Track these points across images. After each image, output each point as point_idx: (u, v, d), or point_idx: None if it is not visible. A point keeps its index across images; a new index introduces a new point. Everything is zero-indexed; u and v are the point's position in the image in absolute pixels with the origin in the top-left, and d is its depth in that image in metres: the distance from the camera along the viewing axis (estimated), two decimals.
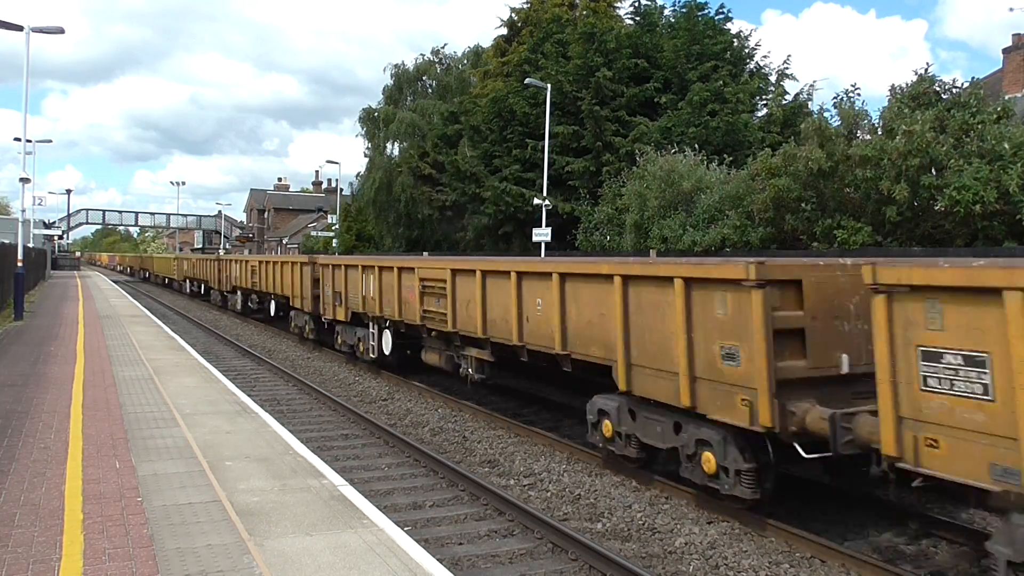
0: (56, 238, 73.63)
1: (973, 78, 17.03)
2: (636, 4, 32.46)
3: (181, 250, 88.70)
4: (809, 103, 26.58)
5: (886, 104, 17.27)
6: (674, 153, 22.16)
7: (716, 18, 29.73)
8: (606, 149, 27.58)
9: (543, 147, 27.77)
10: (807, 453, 6.90)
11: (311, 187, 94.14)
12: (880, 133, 16.52)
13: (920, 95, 16.41)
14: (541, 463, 9.91)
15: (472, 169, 32.61)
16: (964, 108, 15.30)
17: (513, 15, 40.46)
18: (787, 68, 28.26)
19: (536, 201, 26.92)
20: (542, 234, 25.81)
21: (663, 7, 32.02)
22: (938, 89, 16.60)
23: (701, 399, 7.58)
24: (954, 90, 16.53)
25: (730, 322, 7.19)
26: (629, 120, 27.73)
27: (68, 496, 6.31)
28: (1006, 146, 13.99)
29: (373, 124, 49.52)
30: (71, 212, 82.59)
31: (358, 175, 52.48)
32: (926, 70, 17.07)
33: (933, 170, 14.66)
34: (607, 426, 9.04)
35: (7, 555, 5.12)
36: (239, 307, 29.85)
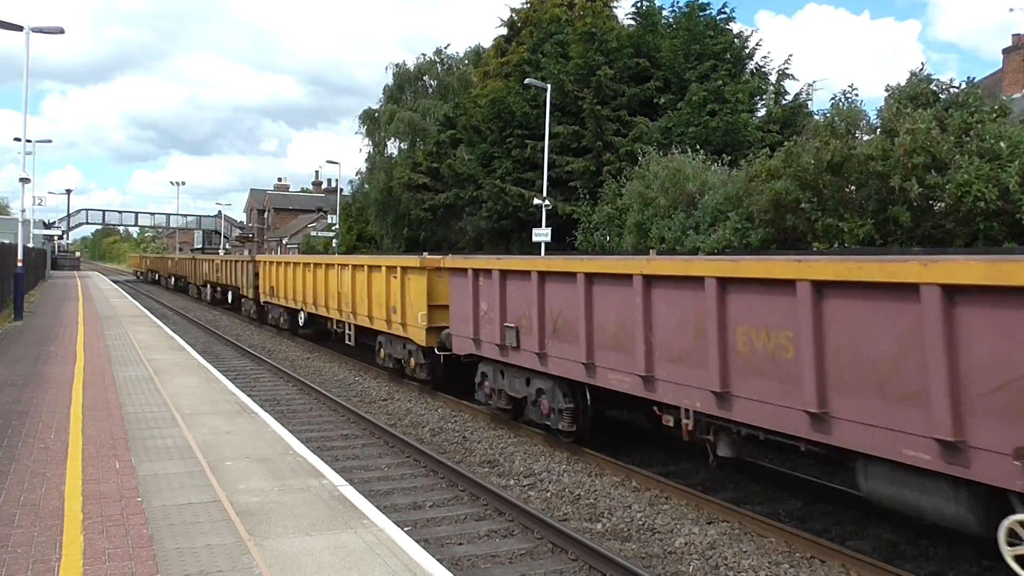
0: (56, 238, 73.60)
1: (969, 77, 17.01)
2: (638, 4, 32.44)
3: (181, 250, 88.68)
4: (809, 103, 26.59)
5: (883, 104, 17.28)
6: (678, 154, 22.12)
7: (718, 18, 29.69)
8: (606, 149, 27.56)
9: (543, 147, 27.77)
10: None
11: (311, 187, 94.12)
12: (879, 133, 16.50)
13: (918, 95, 16.40)
14: (541, 463, 9.91)
15: (470, 171, 32.61)
16: (963, 108, 15.29)
17: (513, 15, 40.46)
18: (787, 68, 28.27)
19: (536, 201, 26.93)
20: (542, 234, 25.83)
21: (663, 7, 32.02)
22: (935, 89, 16.59)
23: None
24: (951, 90, 16.52)
25: None
26: (629, 120, 27.72)
27: (68, 496, 6.31)
28: (1003, 145, 13.98)
29: (373, 124, 49.53)
30: (71, 212, 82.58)
31: (359, 172, 52.53)
32: (921, 69, 17.09)
33: (934, 171, 14.64)
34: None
35: (7, 555, 5.12)
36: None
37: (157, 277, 64.18)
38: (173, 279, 53.21)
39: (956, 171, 14.10)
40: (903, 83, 17.12)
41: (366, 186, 49.10)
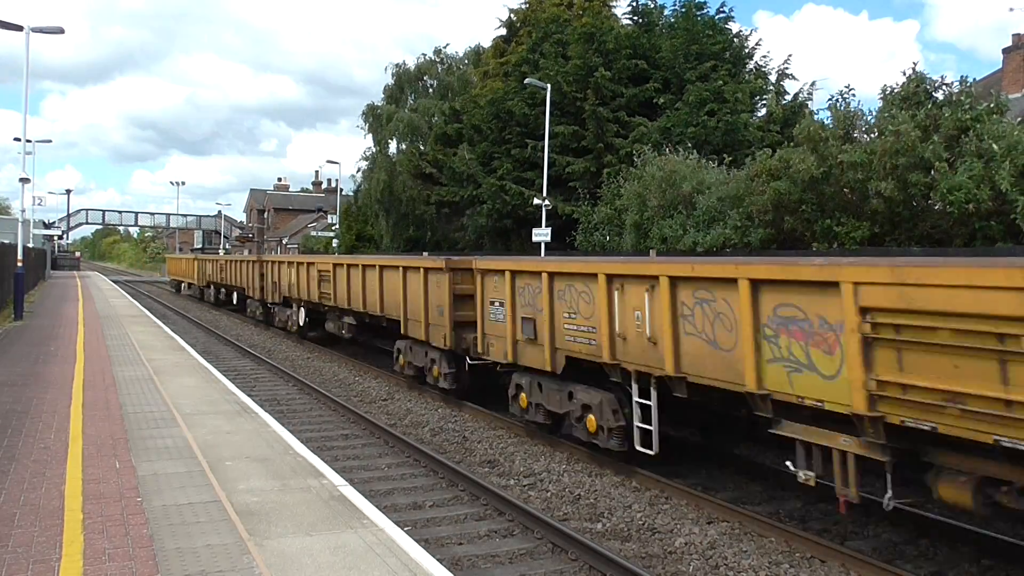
0: (56, 238, 73.56)
1: (963, 77, 16.95)
2: (635, 4, 32.43)
3: (181, 250, 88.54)
4: (809, 103, 26.58)
5: (879, 106, 17.30)
6: (672, 154, 22.11)
7: (716, 17, 29.69)
8: (607, 150, 27.57)
9: (542, 147, 27.76)
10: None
11: (311, 187, 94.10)
12: (875, 134, 16.53)
13: (911, 95, 16.39)
14: (541, 463, 9.91)
15: (470, 171, 32.61)
16: (957, 106, 15.27)
17: (512, 15, 40.44)
18: (787, 68, 28.29)
19: (536, 201, 26.92)
20: (542, 234, 25.82)
21: (663, 7, 32.00)
22: (928, 88, 16.57)
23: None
24: (944, 88, 16.50)
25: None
26: (629, 120, 27.72)
27: (68, 496, 6.31)
28: (995, 147, 13.94)
29: (376, 121, 49.52)
30: (71, 212, 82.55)
31: (360, 170, 52.50)
32: (913, 69, 17.04)
33: (932, 171, 14.63)
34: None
35: (7, 555, 5.12)
36: None
37: (230, 295, 32.50)
38: (302, 314, 21.92)
39: (943, 173, 14.08)
40: (896, 84, 17.14)
41: (368, 185, 49.10)
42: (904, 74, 17.04)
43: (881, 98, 17.14)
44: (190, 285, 44.26)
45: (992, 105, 15.19)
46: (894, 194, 14.62)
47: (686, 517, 7.93)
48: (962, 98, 15.42)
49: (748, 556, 6.93)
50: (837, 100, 17.99)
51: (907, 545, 7.22)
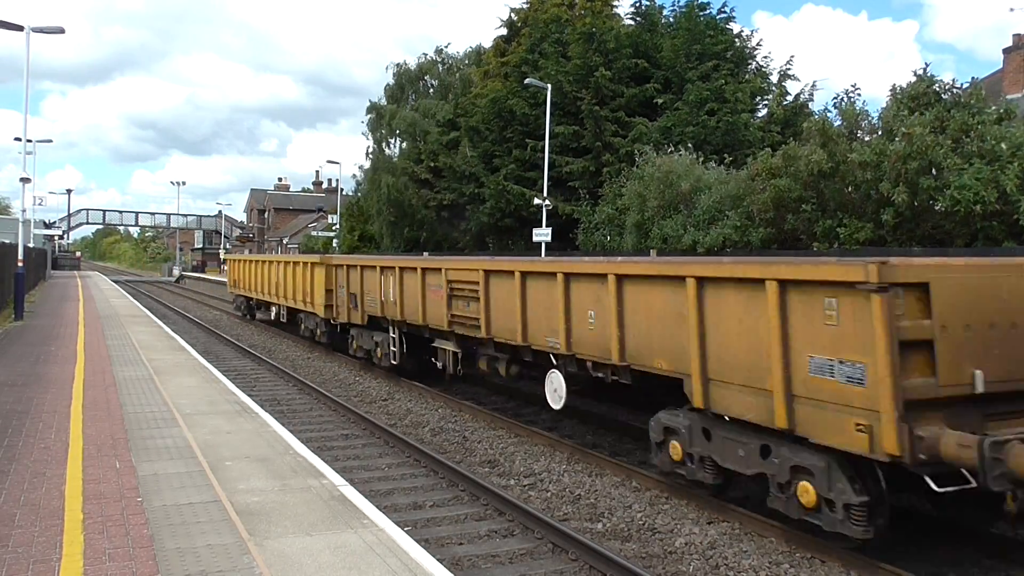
0: (56, 238, 73.62)
1: (973, 78, 17.01)
2: (637, 3, 32.45)
3: (181, 250, 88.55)
4: (810, 103, 26.57)
5: (885, 105, 17.31)
6: (671, 153, 22.12)
7: (718, 17, 29.68)
8: (606, 149, 27.57)
9: (543, 147, 27.76)
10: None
11: (311, 187, 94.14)
12: (880, 134, 16.52)
13: (920, 95, 16.40)
14: (541, 463, 9.91)
15: (472, 169, 32.61)
16: (964, 108, 15.28)
17: (513, 15, 40.44)
18: (789, 68, 28.28)
19: (536, 201, 26.93)
20: (542, 234, 25.83)
21: (663, 6, 32.01)
22: (937, 89, 16.58)
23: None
24: (954, 90, 16.50)
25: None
26: (629, 120, 27.72)
27: (68, 496, 6.31)
28: (1003, 146, 13.97)
29: (377, 121, 49.54)
30: (71, 212, 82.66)
31: (361, 168, 52.53)
32: (925, 70, 17.05)
33: (934, 171, 14.64)
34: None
35: (7, 555, 5.12)
36: None
37: (468, 358, 12.42)
38: None
39: (953, 175, 14.09)
40: (906, 84, 17.12)
41: (368, 185, 49.13)
42: (915, 74, 17.03)
43: (890, 97, 17.15)
44: (293, 312, 22.41)
45: (1002, 111, 15.21)
46: (905, 200, 14.62)
47: (686, 517, 7.93)
48: (971, 100, 15.43)
49: (748, 556, 6.93)
50: (842, 99, 18.02)
51: (907, 545, 7.22)
